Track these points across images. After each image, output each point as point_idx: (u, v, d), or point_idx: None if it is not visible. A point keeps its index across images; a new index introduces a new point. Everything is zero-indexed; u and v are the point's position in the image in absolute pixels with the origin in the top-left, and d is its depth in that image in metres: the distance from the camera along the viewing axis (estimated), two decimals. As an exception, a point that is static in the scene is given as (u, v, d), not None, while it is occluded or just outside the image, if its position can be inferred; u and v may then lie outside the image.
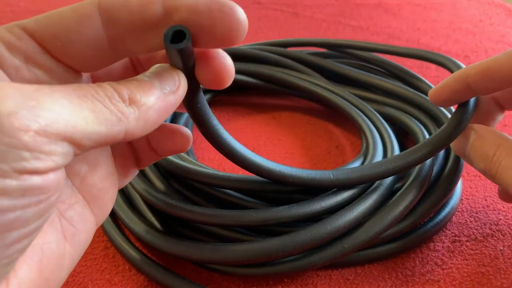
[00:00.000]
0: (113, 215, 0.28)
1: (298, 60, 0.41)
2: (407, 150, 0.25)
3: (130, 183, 0.28)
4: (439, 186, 0.27)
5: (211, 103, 0.41)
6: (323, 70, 0.40)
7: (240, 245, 0.23)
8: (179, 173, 0.26)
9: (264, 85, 0.40)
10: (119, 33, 0.15)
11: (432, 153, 0.24)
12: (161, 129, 0.19)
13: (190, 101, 0.17)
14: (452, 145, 0.25)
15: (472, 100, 0.24)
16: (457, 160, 0.28)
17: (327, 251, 0.24)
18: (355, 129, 0.38)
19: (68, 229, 0.16)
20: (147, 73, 0.15)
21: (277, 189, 0.26)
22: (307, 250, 0.24)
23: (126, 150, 0.20)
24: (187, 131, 0.20)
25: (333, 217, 0.24)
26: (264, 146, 0.37)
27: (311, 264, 0.24)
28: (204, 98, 0.18)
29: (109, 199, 0.19)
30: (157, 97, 0.15)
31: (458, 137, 0.24)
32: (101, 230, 0.28)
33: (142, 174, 0.28)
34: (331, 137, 0.38)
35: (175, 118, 0.36)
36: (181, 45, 0.14)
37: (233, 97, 0.43)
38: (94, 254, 0.27)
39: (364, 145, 0.33)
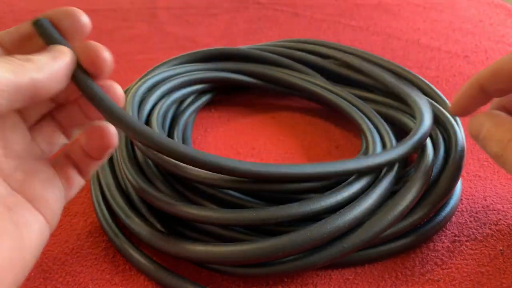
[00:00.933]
0: (113, 215, 0.28)
1: (298, 60, 0.41)
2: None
3: (130, 183, 0.28)
4: (439, 186, 0.27)
5: (211, 103, 0.41)
6: (323, 70, 0.40)
7: (240, 245, 0.23)
8: (179, 173, 0.26)
9: (264, 85, 0.40)
10: (13, 48, 0.20)
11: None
12: (88, 128, 0.22)
13: (76, 80, 0.20)
14: (469, 127, 0.25)
15: None
16: (457, 160, 0.28)
17: (327, 251, 0.24)
18: (355, 129, 0.38)
19: (20, 220, 0.19)
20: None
21: (277, 189, 0.26)
22: (307, 250, 0.24)
23: (64, 161, 0.23)
24: (108, 124, 0.22)
25: (333, 217, 0.24)
26: (264, 146, 0.37)
27: (311, 264, 0.24)
28: (88, 77, 0.20)
29: (54, 200, 0.21)
30: (48, 58, 0.19)
31: (477, 119, 0.25)
32: (101, 230, 0.28)
33: (142, 174, 0.28)
34: (331, 137, 0.38)
35: (173, 120, 0.36)
36: (37, 19, 0.20)
37: (233, 97, 0.43)
38: (94, 254, 0.27)
39: (364, 145, 0.33)
